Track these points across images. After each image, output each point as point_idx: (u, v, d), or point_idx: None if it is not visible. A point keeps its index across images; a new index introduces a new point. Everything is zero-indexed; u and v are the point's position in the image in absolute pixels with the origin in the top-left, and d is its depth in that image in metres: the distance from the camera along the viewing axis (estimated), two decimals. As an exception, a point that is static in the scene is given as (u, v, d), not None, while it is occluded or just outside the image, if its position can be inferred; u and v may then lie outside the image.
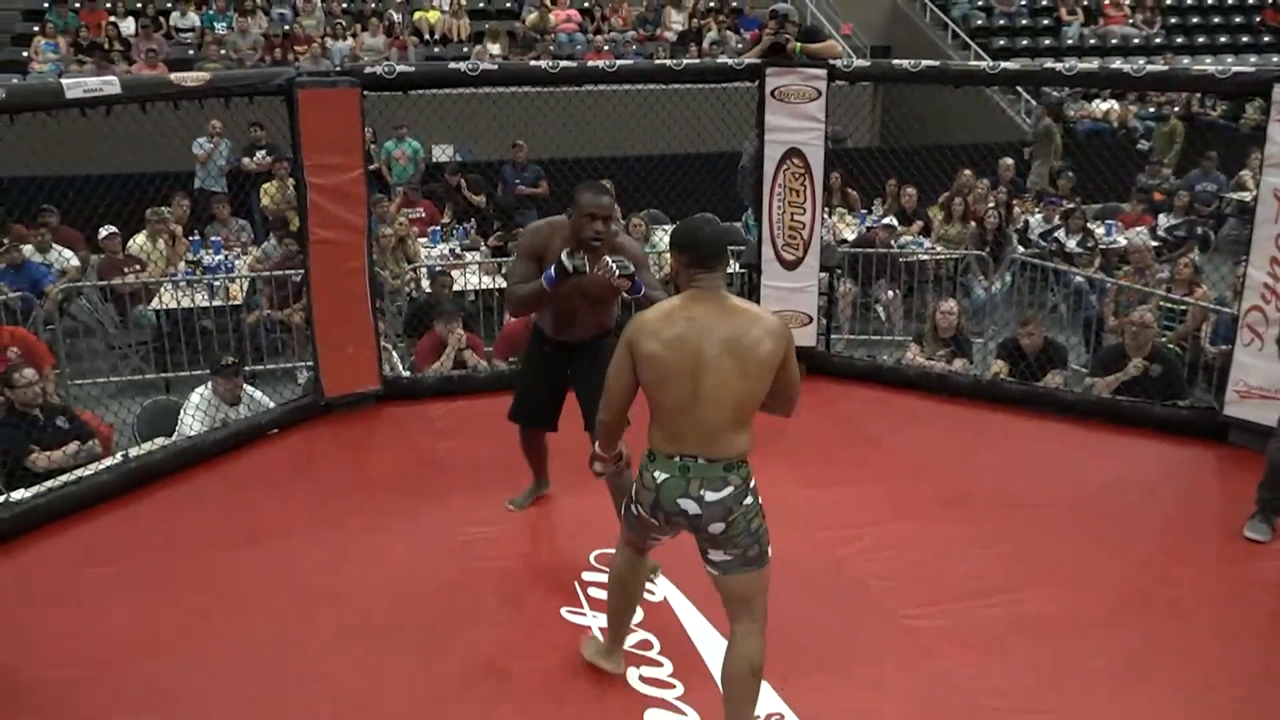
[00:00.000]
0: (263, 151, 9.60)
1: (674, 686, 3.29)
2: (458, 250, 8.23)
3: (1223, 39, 14.67)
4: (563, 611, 3.65)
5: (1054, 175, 10.21)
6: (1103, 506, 4.40)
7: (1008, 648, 3.47)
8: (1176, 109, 12.57)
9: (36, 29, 11.64)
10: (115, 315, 7.14)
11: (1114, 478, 4.67)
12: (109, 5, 12.14)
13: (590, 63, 6.46)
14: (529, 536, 4.19)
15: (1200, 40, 14.58)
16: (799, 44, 5.43)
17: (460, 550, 4.04)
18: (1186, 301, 6.48)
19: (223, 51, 11.45)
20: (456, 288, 7.12)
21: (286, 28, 12.24)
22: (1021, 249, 8.23)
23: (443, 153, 10.67)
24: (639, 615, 3.52)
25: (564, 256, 3.54)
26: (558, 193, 8.58)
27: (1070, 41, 14.20)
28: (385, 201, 8.27)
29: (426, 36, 12.65)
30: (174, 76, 4.66)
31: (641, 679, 3.30)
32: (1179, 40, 14.47)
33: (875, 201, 9.31)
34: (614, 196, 3.67)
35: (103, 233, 7.35)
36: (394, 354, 6.17)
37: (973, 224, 8.37)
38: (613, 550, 3.23)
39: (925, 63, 5.51)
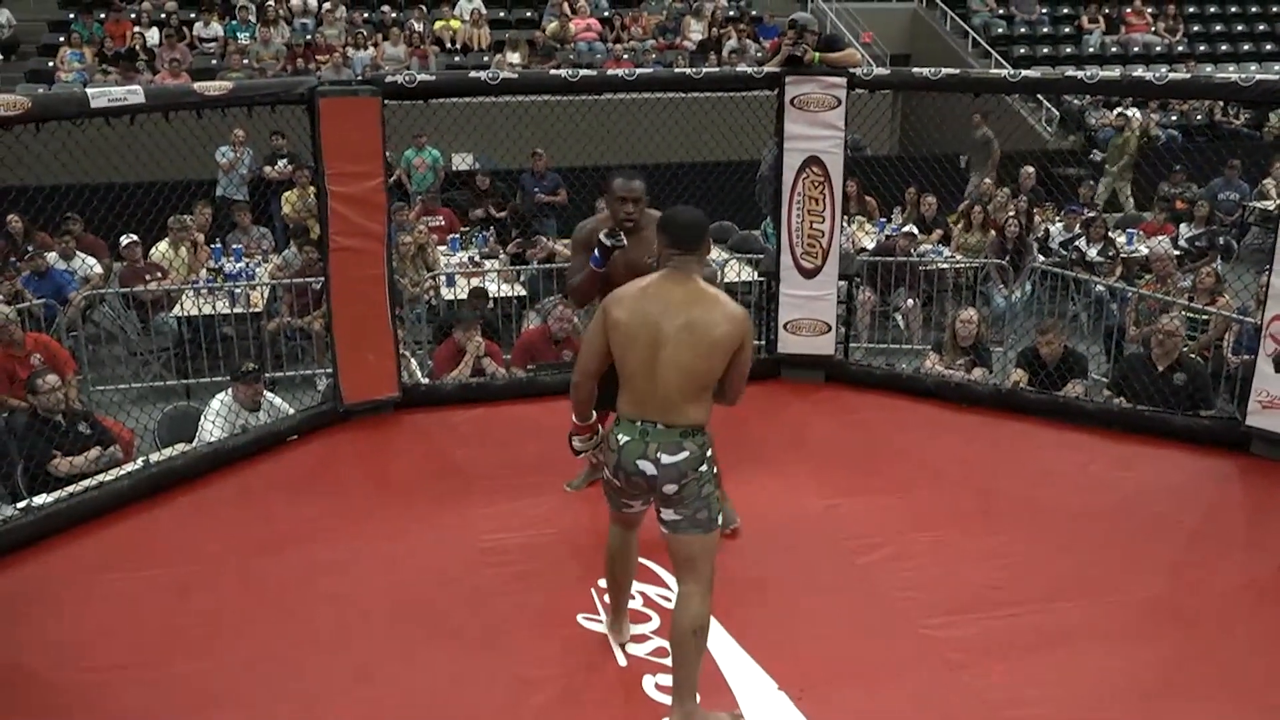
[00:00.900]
0: (284, 160, 9.67)
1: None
2: (476, 258, 8.26)
3: (1246, 47, 14.57)
4: (580, 618, 3.65)
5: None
6: (1126, 517, 4.35)
7: (1031, 659, 3.43)
8: (1175, 118, 12.50)
9: (62, 39, 11.78)
10: (137, 322, 7.21)
11: (1136, 488, 4.62)
12: (134, 16, 12.29)
13: (610, 71, 6.46)
14: (546, 543, 4.18)
15: (1223, 48, 14.48)
16: (817, 54, 5.41)
17: (478, 557, 4.05)
18: (1209, 311, 6.43)
19: (245, 61, 11.55)
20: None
21: (309, 37, 12.33)
22: (1042, 258, 8.19)
23: (462, 161, 10.72)
24: (655, 623, 3.56)
25: (602, 236, 3.86)
26: (576, 200, 8.59)
27: (1091, 50, 14.12)
28: (405, 209, 8.32)
29: (447, 46, 12.72)
30: (197, 86, 4.72)
31: (658, 687, 3.28)
32: (1202, 48, 14.37)
33: (895, 210, 9.29)
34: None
35: (124, 240, 7.42)
36: (413, 361, 6.19)
37: (993, 232, 8.34)
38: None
39: (946, 71, 5.50)
